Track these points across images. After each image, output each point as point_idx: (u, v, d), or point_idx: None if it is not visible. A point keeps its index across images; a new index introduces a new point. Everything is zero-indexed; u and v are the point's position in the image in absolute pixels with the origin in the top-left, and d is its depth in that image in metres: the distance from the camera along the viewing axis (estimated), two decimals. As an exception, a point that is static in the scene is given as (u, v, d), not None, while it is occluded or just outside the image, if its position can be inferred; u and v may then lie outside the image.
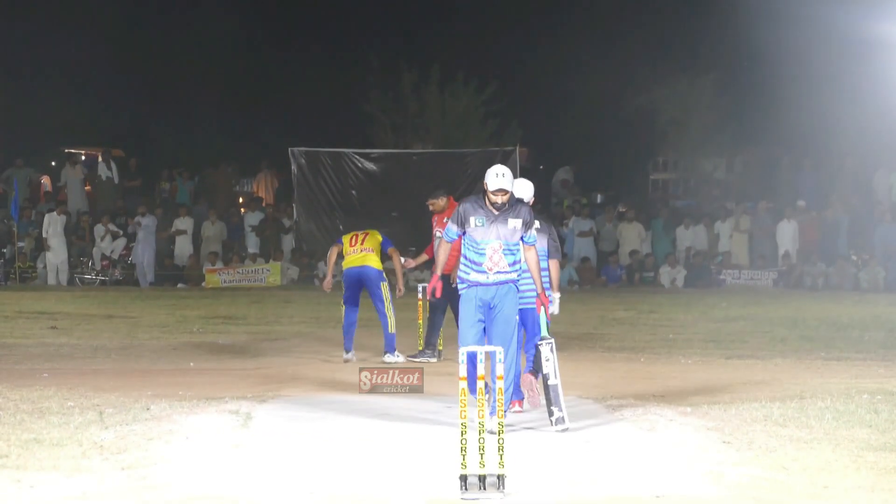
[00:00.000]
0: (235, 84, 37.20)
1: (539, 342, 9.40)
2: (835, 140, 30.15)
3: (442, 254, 9.61)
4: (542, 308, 9.47)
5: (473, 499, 6.89)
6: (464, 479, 6.98)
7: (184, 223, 28.69)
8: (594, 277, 28.03)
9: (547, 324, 9.52)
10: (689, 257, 28.30)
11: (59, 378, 11.72)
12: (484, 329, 9.22)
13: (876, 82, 27.92)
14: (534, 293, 9.99)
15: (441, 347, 13.70)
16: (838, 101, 29.43)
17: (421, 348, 13.72)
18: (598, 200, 32.15)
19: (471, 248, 9.20)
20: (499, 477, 6.97)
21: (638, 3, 36.33)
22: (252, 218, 29.28)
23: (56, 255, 27.38)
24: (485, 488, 6.95)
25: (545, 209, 29.86)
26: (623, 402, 10.26)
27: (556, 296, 10.26)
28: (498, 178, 9.07)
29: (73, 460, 7.63)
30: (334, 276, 14.26)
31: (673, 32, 34.43)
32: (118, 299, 22.89)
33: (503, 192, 9.07)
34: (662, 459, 7.87)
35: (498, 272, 9.14)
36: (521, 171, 28.17)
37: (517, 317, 9.31)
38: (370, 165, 28.21)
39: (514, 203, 9.20)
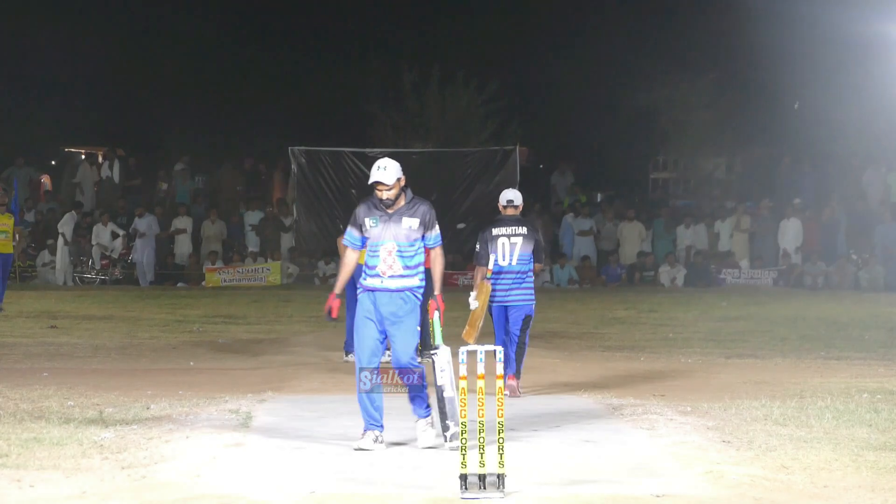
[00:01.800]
0: (236, 84, 37.19)
1: (433, 352, 8.48)
2: (834, 139, 30.17)
3: (345, 266, 8.63)
4: (437, 312, 8.58)
5: (473, 498, 6.88)
6: (464, 478, 6.98)
7: (183, 222, 28.72)
8: (594, 276, 28.05)
9: (440, 331, 8.64)
10: (690, 256, 28.32)
11: (60, 377, 11.72)
12: (384, 339, 8.45)
13: (875, 82, 27.96)
14: (529, 293, 10.97)
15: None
16: (838, 100, 29.45)
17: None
18: (598, 199, 32.18)
19: (368, 251, 8.49)
20: (499, 476, 6.96)
21: (638, 3, 36.34)
22: (252, 217, 29.30)
23: (65, 255, 27.52)
24: (485, 488, 6.95)
25: (545, 210, 29.88)
26: (623, 402, 10.26)
27: None
28: (378, 171, 8.38)
29: (73, 460, 7.63)
30: None
31: (673, 32, 34.43)
32: (118, 299, 22.89)
33: (384, 186, 8.34)
34: (662, 459, 7.87)
35: (392, 276, 8.37)
36: (521, 171, 28.24)
37: (419, 327, 8.50)
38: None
39: (412, 201, 8.47)
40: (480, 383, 7.34)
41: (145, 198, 29.90)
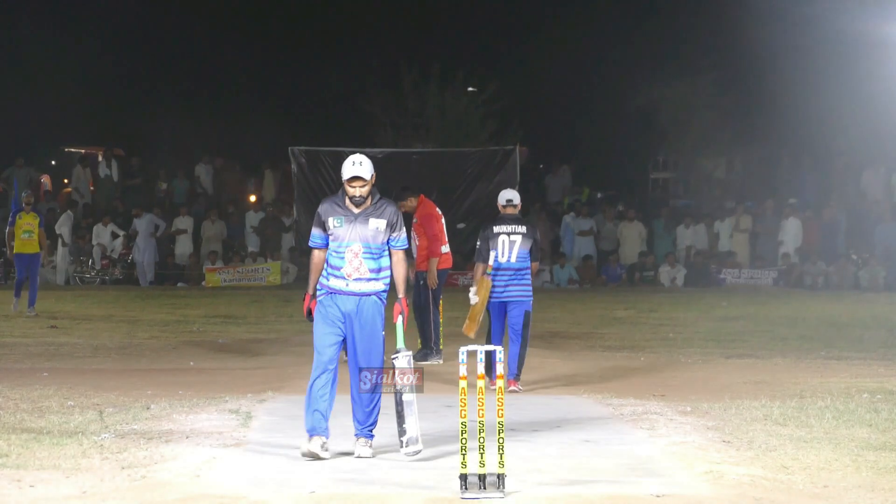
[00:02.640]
0: (236, 84, 37.24)
1: (394, 356, 8.21)
2: (834, 139, 30.20)
3: (315, 267, 8.29)
4: (401, 317, 8.24)
5: (473, 498, 6.88)
6: (464, 478, 6.98)
7: (183, 222, 28.74)
8: (594, 276, 28.06)
9: (402, 335, 8.33)
10: (690, 256, 28.33)
11: (59, 377, 11.72)
12: (343, 343, 8.22)
13: (875, 82, 27.96)
14: (527, 289, 11.37)
15: (442, 346, 13.59)
16: (838, 100, 29.48)
17: (420, 348, 13.46)
18: (598, 199, 32.20)
19: (332, 252, 8.18)
20: (499, 476, 6.96)
21: (638, 3, 36.37)
22: (252, 217, 29.31)
23: (64, 256, 27.53)
24: (485, 488, 6.95)
25: (544, 209, 29.89)
26: (623, 402, 10.26)
27: None
28: (354, 165, 8.05)
29: (73, 460, 7.63)
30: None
31: (673, 32, 34.47)
32: (118, 299, 22.90)
33: (360, 180, 8.04)
34: (662, 459, 7.87)
35: (357, 279, 8.12)
36: (521, 171, 28.24)
37: (383, 332, 8.22)
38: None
39: (378, 202, 8.20)
40: (480, 383, 7.33)
41: (145, 198, 29.89)
